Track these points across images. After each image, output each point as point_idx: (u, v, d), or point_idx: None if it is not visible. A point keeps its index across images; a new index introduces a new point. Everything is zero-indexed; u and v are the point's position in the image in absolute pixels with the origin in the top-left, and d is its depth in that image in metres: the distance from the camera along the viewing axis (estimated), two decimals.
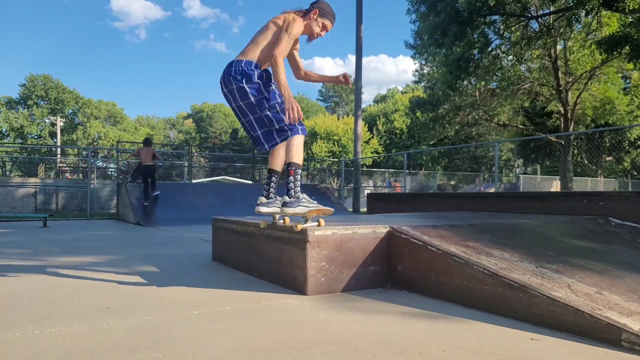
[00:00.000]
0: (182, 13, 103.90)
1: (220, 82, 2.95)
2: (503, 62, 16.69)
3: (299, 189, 2.87)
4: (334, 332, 2.01)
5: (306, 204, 2.83)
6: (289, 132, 2.92)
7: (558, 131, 19.62)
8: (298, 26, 2.87)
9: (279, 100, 2.89)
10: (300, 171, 2.90)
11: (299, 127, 2.92)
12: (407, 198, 8.51)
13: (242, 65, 2.86)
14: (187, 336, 1.94)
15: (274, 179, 3.10)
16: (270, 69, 2.92)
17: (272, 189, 3.07)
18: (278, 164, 3.11)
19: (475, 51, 14.64)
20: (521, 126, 22.19)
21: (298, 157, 2.90)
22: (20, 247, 5.24)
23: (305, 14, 3.01)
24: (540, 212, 5.29)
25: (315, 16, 2.99)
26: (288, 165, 2.90)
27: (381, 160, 35.73)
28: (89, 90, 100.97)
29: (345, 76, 3.20)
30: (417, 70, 29.82)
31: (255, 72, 2.86)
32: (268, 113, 2.88)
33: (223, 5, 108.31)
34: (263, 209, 3.00)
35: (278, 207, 2.96)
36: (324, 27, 3.02)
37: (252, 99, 2.85)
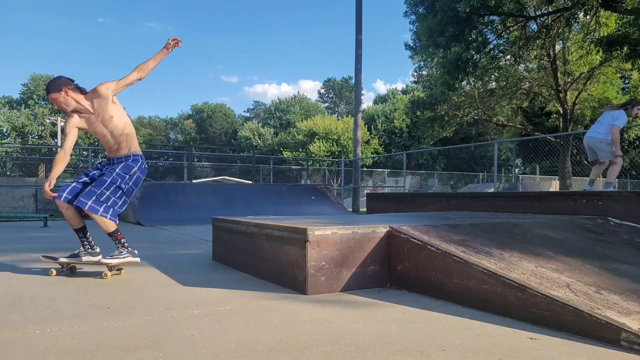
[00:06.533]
0: None
1: None
2: (501, 62, 16.69)
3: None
4: (334, 332, 2.02)
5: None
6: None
7: (557, 131, 19.61)
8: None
9: None
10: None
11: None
12: (407, 198, 8.51)
13: None
14: (188, 336, 1.95)
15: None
16: None
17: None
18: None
19: (473, 51, 14.64)
20: (520, 126, 22.20)
21: None
22: (21, 247, 5.24)
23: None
24: (540, 211, 5.30)
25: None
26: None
27: (381, 162, 35.72)
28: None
29: (174, 40, 3.35)
30: (415, 71, 29.87)
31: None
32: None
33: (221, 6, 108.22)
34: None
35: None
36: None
37: None
